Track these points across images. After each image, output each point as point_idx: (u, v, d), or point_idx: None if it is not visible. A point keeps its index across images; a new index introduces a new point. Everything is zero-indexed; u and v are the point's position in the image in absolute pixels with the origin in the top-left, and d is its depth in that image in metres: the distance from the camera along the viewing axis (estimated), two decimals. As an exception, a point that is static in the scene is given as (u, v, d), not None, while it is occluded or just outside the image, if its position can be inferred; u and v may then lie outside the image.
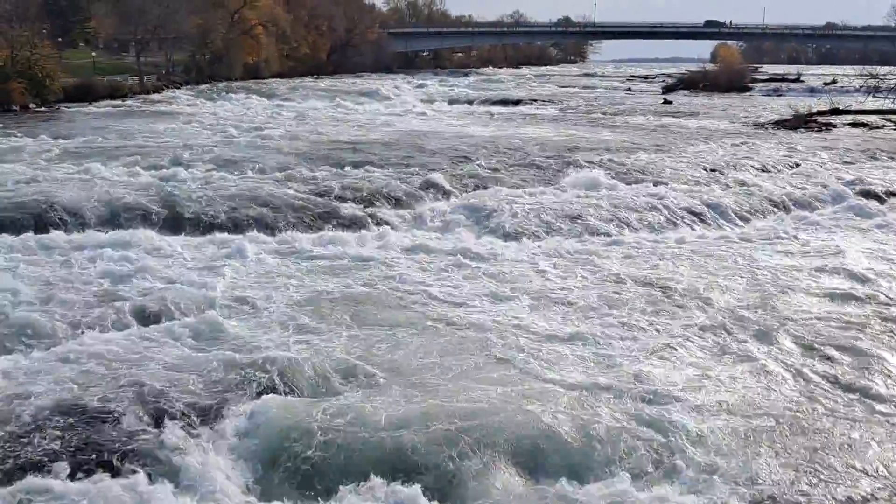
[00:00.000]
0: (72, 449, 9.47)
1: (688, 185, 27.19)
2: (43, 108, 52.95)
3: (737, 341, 13.19)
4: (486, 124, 47.88)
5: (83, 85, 61.24)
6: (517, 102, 69.97)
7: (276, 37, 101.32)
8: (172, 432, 9.82)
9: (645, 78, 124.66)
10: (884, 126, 48.75)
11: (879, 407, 11.04)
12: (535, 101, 71.89)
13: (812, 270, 17.49)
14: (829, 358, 12.62)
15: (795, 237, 20.92)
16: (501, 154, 32.05)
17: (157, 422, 10.06)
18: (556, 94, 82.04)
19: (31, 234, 18.68)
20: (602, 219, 22.15)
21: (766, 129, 47.34)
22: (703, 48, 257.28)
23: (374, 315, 14.03)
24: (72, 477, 9.00)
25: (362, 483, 8.96)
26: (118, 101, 60.06)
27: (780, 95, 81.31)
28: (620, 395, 10.96)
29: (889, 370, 12.21)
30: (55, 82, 56.06)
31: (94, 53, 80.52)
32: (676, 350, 12.73)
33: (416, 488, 8.82)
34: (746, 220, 23.45)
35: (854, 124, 49.56)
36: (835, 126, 48.33)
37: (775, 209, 24.84)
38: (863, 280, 16.76)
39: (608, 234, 21.03)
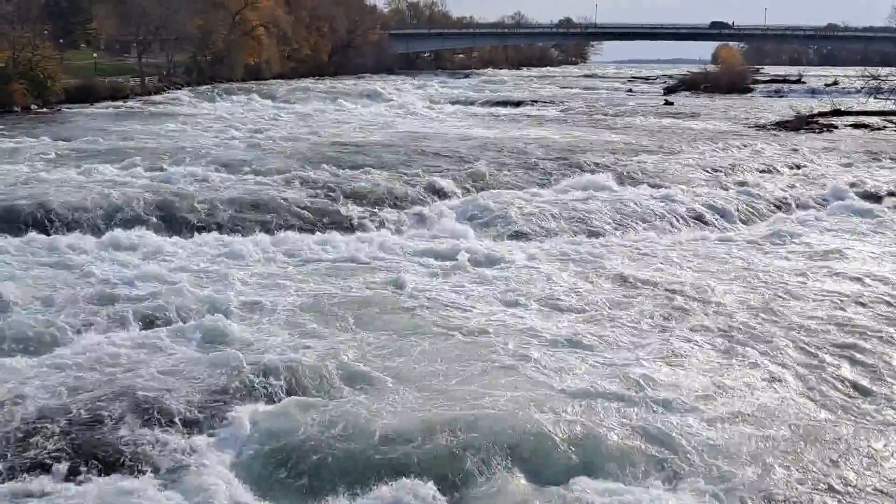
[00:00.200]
0: (73, 451, 9.46)
1: (690, 186, 27.16)
2: (44, 110, 52.93)
3: (743, 346, 13.11)
4: (488, 125, 47.85)
5: (84, 86, 61.23)
6: (518, 104, 69.93)
7: (277, 38, 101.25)
8: (174, 435, 9.84)
9: (646, 79, 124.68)
10: (885, 127, 48.70)
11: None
12: (537, 102, 71.87)
13: (815, 272, 17.46)
14: (837, 363, 12.52)
15: (797, 239, 20.89)
16: (504, 155, 32.02)
17: (159, 424, 10.05)
18: (557, 95, 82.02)
19: (32, 235, 18.65)
20: (604, 220, 22.14)
21: (768, 130, 47.30)
22: (704, 49, 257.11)
23: (377, 318, 14.01)
24: (73, 479, 9.01)
25: (365, 487, 8.94)
26: (119, 103, 60.04)
27: (782, 96, 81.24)
28: (627, 400, 10.89)
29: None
30: (56, 83, 56.03)
31: (95, 55, 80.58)
32: (683, 355, 12.66)
33: (420, 493, 8.80)
34: (748, 222, 23.47)
35: (855, 125, 49.52)
36: (836, 127, 48.30)
37: (777, 210, 24.84)
38: (868, 282, 16.72)
39: (610, 236, 21.02)
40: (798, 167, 32.39)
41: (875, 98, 58.04)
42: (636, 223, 22.23)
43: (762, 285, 16.42)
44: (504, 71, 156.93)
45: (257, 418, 10.22)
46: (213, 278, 15.95)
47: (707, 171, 30.39)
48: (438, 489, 8.89)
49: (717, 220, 23.29)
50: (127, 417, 10.12)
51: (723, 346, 13.08)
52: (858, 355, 12.81)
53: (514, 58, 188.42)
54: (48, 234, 18.77)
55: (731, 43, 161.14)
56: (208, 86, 79.21)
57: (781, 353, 12.82)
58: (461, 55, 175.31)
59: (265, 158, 29.94)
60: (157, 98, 65.74)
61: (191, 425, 10.16)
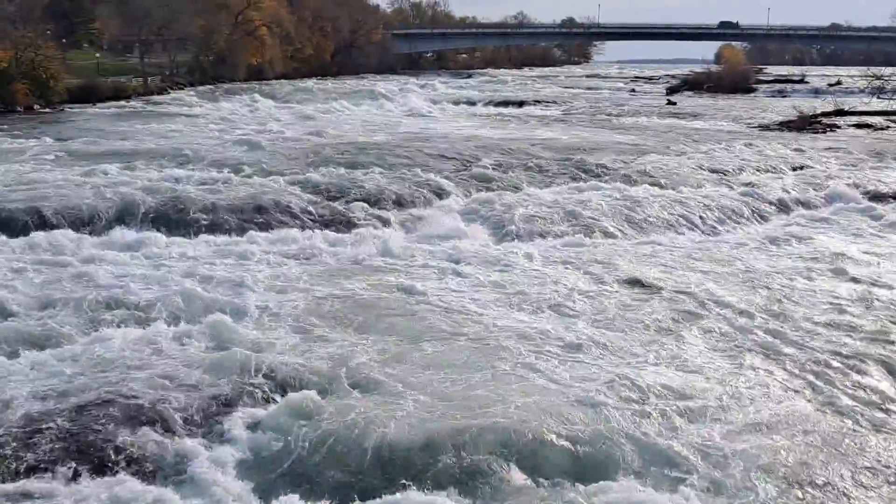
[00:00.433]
0: (74, 452, 9.43)
1: (694, 187, 27.10)
2: (47, 110, 53.00)
3: (752, 351, 12.99)
4: (491, 126, 47.82)
5: (87, 86, 61.31)
6: (521, 104, 69.96)
7: (279, 38, 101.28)
8: (176, 437, 9.82)
9: (649, 79, 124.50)
10: (888, 127, 48.62)
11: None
12: (540, 102, 71.86)
13: (821, 274, 17.40)
14: (848, 369, 12.37)
15: (802, 240, 20.81)
16: (507, 156, 31.97)
17: (161, 426, 10.02)
18: (560, 95, 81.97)
19: (34, 234, 18.66)
20: (609, 221, 22.08)
21: (771, 130, 47.24)
22: (707, 49, 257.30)
23: (383, 321, 13.93)
24: (74, 480, 8.99)
25: (370, 493, 8.89)
26: (122, 103, 60.11)
27: (785, 97, 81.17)
28: (636, 405, 10.78)
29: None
30: (59, 83, 56.09)
31: (97, 55, 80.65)
32: (692, 360, 12.52)
33: (427, 500, 8.77)
34: (753, 223, 23.40)
35: (858, 125, 49.48)
36: (839, 127, 48.25)
37: (782, 212, 24.80)
38: (876, 285, 16.65)
39: (615, 237, 20.96)
40: (802, 168, 32.31)
41: (878, 98, 57.95)
42: (640, 224, 22.19)
43: (769, 288, 16.32)
44: (507, 71, 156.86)
45: (260, 421, 10.18)
46: (216, 279, 15.89)
47: (711, 172, 30.32)
48: (446, 496, 8.85)
49: (721, 221, 23.23)
50: (129, 419, 10.10)
51: (731, 351, 12.93)
52: (868, 361, 12.65)
53: (516, 58, 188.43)
54: (50, 234, 18.74)
55: (734, 43, 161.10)
56: (211, 86, 79.34)
57: (790, 359, 12.69)
58: (464, 55, 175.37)
59: (268, 159, 29.90)
60: (160, 98, 65.77)
61: (193, 427, 10.12)
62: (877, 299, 15.66)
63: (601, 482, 9.05)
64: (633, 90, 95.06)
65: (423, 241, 19.73)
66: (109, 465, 9.27)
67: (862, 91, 67.07)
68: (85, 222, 20.00)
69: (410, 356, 12.24)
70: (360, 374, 11.45)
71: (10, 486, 8.79)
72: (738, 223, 23.31)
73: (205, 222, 20.52)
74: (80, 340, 12.65)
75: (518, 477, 9.17)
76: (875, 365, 12.51)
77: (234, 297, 14.67)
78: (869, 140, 42.33)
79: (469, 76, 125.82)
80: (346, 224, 21.30)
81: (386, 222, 21.67)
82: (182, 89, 74.26)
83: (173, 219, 20.62)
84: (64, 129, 40.30)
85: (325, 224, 21.11)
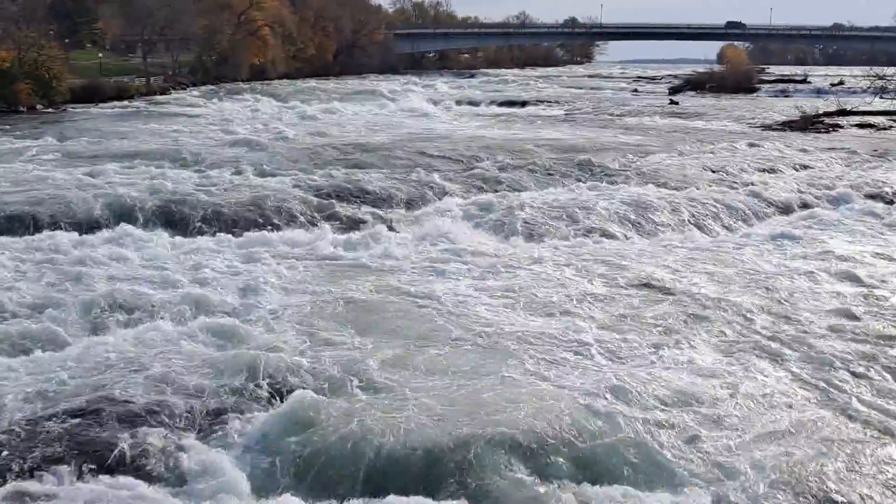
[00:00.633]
0: (76, 452, 9.42)
1: (697, 187, 27.07)
2: (50, 109, 53.05)
3: (758, 353, 12.89)
4: (494, 126, 47.78)
5: (90, 86, 61.39)
6: (524, 104, 69.91)
7: (282, 38, 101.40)
8: (179, 437, 9.79)
9: (651, 79, 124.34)
10: (891, 127, 48.54)
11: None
12: (542, 102, 71.79)
13: (826, 275, 17.32)
14: (856, 372, 12.27)
15: (806, 241, 20.76)
16: (511, 156, 31.94)
17: (164, 426, 10.01)
18: (562, 95, 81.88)
19: (36, 234, 18.69)
20: (613, 221, 22.04)
21: (774, 130, 47.18)
22: (709, 49, 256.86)
23: (385, 321, 13.91)
24: (75, 480, 8.97)
25: (371, 492, 8.89)
26: (125, 102, 60.19)
27: (787, 96, 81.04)
28: (642, 409, 10.75)
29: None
30: (62, 83, 56.17)
31: (100, 54, 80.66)
32: (702, 363, 12.41)
33: (428, 500, 8.76)
34: (757, 223, 23.38)
35: (861, 125, 49.39)
36: (842, 127, 48.18)
37: (785, 212, 24.77)
38: (881, 286, 16.61)
39: (619, 238, 20.94)
40: (805, 168, 32.29)
41: (881, 98, 57.84)
42: (645, 225, 22.16)
43: (775, 290, 16.21)
44: (509, 71, 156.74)
45: (263, 422, 10.16)
46: (218, 279, 15.90)
47: (714, 172, 30.30)
48: (446, 492, 8.85)
49: (726, 221, 23.21)
50: (130, 420, 10.09)
51: (740, 355, 12.79)
52: (877, 365, 12.54)
53: (518, 58, 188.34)
54: (52, 234, 18.75)
55: (736, 43, 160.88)
56: (213, 86, 79.49)
57: (798, 362, 12.60)
58: (466, 55, 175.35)
59: (270, 159, 29.92)
60: (163, 98, 65.85)
61: (195, 428, 10.10)
62: (884, 301, 15.62)
63: (608, 488, 9.01)
64: (636, 90, 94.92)
65: (426, 242, 19.69)
66: (110, 465, 9.24)
67: (864, 91, 66.90)
68: (87, 222, 19.99)
69: (414, 358, 12.17)
70: (364, 377, 11.40)
71: (10, 487, 8.78)
72: (743, 224, 23.26)
73: (207, 222, 20.53)
74: (82, 340, 12.65)
75: (523, 481, 9.12)
76: (885, 369, 12.41)
77: (236, 298, 14.67)
78: (872, 140, 42.24)
79: (471, 76, 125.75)
80: (350, 225, 21.28)
81: (389, 223, 21.65)
82: (185, 89, 74.38)
83: (175, 219, 20.62)
84: (67, 129, 40.31)
85: (328, 223, 21.05)
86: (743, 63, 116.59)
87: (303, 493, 8.93)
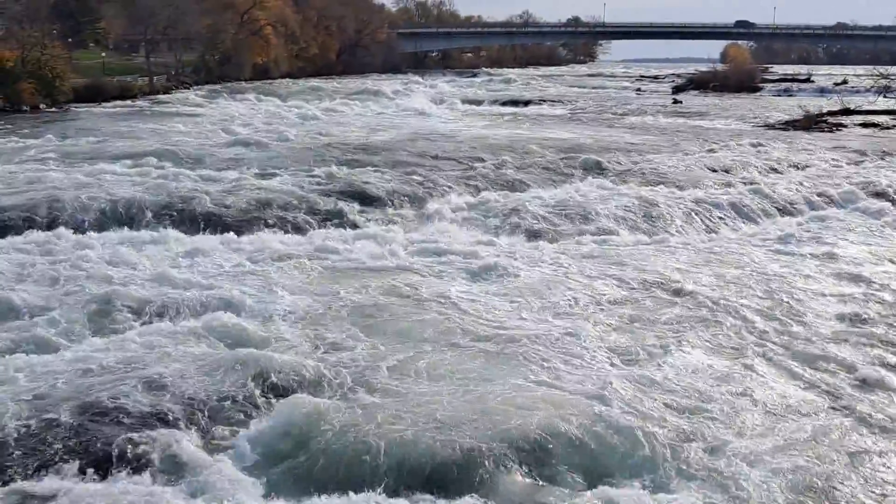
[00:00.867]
0: (78, 452, 9.43)
1: (700, 186, 27.04)
2: (53, 109, 53.11)
3: (765, 354, 12.86)
4: (498, 125, 47.77)
5: (93, 85, 61.44)
6: (527, 103, 69.89)
7: (285, 37, 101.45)
8: (181, 436, 9.77)
9: (655, 78, 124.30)
10: (895, 126, 48.47)
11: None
12: (546, 101, 71.76)
13: (831, 275, 17.30)
14: (860, 373, 12.19)
15: (810, 240, 20.71)
16: (514, 155, 31.92)
17: (166, 425, 10.00)
18: (566, 94, 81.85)
19: (39, 233, 18.68)
20: (617, 221, 22.02)
21: (777, 129, 47.13)
22: (712, 48, 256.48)
23: (388, 320, 13.89)
24: (78, 480, 8.98)
25: (372, 493, 8.84)
26: (128, 102, 60.26)
27: (791, 96, 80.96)
28: (647, 408, 10.72)
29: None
30: (65, 83, 56.24)
31: (103, 54, 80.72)
32: (706, 364, 12.36)
33: (429, 495, 8.75)
34: (761, 223, 23.32)
35: (865, 125, 49.33)
36: (845, 126, 48.13)
37: (789, 211, 24.71)
38: (887, 285, 16.56)
39: (624, 237, 20.89)
40: (809, 167, 32.23)
41: (885, 97, 57.81)
42: (649, 224, 22.13)
43: (780, 290, 16.14)
44: (512, 70, 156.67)
45: (265, 422, 10.15)
46: (222, 278, 15.89)
47: (718, 171, 30.27)
48: (449, 492, 8.81)
49: (730, 221, 23.17)
50: (134, 417, 10.09)
51: (747, 358, 12.69)
52: (883, 368, 12.47)
53: (522, 57, 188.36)
54: (54, 234, 18.74)
55: (739, 42, 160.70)
56: (216, 85, 79.48)
57: (803, 363, 12.55)
58: (469, 54, 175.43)
59: (273, 158, 29.92)
60: (166, 97, 65.88)
61: (197, 428, 10.10)
62: (889, 301, 15.57)
63: (616, 491, 8.95)
64: (639, 89, 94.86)
65: (429, 242, 19.63)
66: (113, 463, 9.25)
67: (868, 90, 66.91)
68: (89, 222, 19.99)
69: (417, 360, 12.11)
70: (366, 378, 11.37)
71: (11, 487, 8.78)
72: (748, 224, 23.21)
73: (209, 222, 20.50)
74: (84, 339, 12.66)
75: (529, 486, 9.10)
76: (892, 371, 12.35)
77: (238, 298, 14.60)
78: (876, 139, 42.16)
79: (474, 75, 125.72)
80: (353, 224, 21.25)
81: (392, 223, 21.62)
82: (188, 89, 74.40)
83: (178, 218, 20.60)
84: (70, 129, 40.32)
85: (331, 224, 21.05)
86: (746, 62, 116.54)
87: (304, 494, 8.90)
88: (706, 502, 8.81)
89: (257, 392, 10.91)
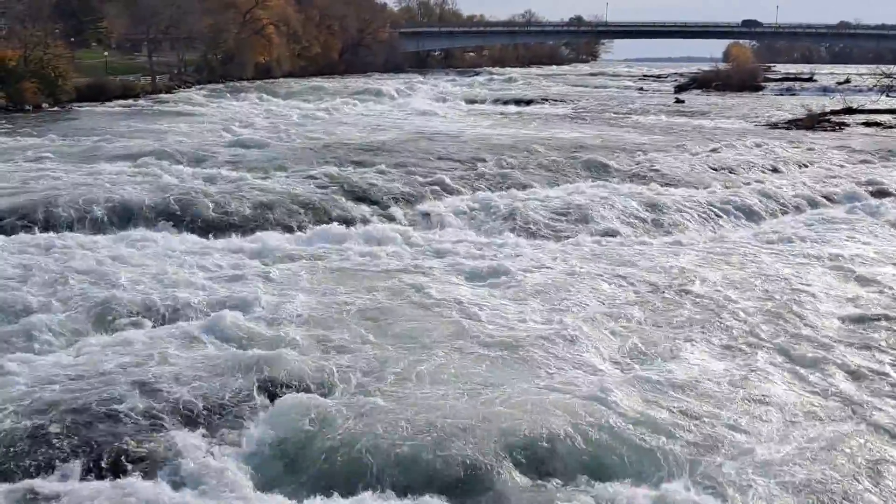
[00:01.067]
0: (80, 451, 9.42)
1: (703, 185, 27.00)
2: (55, 108, 53.19)
3: (769, 354, 12.81)
4: (500, 124, 47.76)
5: (95, 85, 61.47)
6: (529, 102, 69.92)
7: (287, 36, 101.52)
8: (184, 435, 9.77)
9: (657, 77, 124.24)
10: (898, 125, 48.46)
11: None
12: (548, 100, 71.77)
13: (834, 274, 17.25)
14: (865, 374, 12.14)
15: (813, 239, 20.66)
16: (517, 154, 31.87)
17: (169, 424, 9.99)
18: (568, 93, 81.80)
19: (40, 233, 18.65)
20: (620, 221, 21.99)
21: (780, 128, 47.08)
22: (715, 47, 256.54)
23: (390, 317, 13.87)
24: (80, 479, 8.99)
25: (373, 494, 8.83)
26: (130, 101, 60.28)
27: (794, 95, 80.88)
28: (650, 409, 10.67)
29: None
30: (68, 82, 56.30)
31: (106, 53, 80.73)
32: (712, 365, 12.32)
33: (430, 496, 8.71)
34: (764, 222, 23.28)
35: (868, 123, 49.29)
36: (848, 125, 48.10)
37: (792, 210, 24.67)
38: (890, 285, 16.51)
39: (627, 237, 20.86)
40: (811, 166, 32.19)
41: (887, 96, 57.77)
42: (653, 223, 22.10)
43: (783, 289, 16.11)
44: (514, 69, 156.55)
45: (266, 422, 10.12)
46: (224, 277, 15.87)
47: (721, 171, 30.23)
48: (450, 492, 8.79)
49: (734, 220, 23.13)
50: (136, 418, 10.07)
51: (751, 359, 12.64)
52: (887, 369, 12.41)
53: (524, 56, 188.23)
54: (56, 233, 18.74)
55: (742, 41, 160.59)
56: (219, 84, 79.52)
57: (806, 364, 12.50)
58: (471, 53, 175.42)
59: (275, 157, 29.89)
60: (168, 97, 65.90)
61: (201, 425, 10.09)
62: (891, 301, 15.52)
63: (621, 496, 8.92)
64: (642, 88, 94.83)
65: (433, 242, 19.63)
66: (115, 463, 9.26)
67: (871, 89, 66.86)
68: (91, 221, 19.95)
69: (421, 361, 12.06)
70: (369, 379, 11.35)
71: (11, 486, 8.77)
72: (751, 223, 23.18)
73: (211, 222, 20.46)
74: (86, 338, 12.65)
75: (530, 486, 9.07)
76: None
77: (241, 296, 14.60)
78: (879, 138, 42.13)
79: (477, 74, 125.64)
80: (356, 223, 21.21)
81: (395, 221, 21.60)
82: (190, 88, 74.47)
83: (180, 217, 20.57)
84: (72, 128, 40.36)
85: (334, 223, 20.98)
86: (749, 61, 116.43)
87: (305, 495, 8.88)
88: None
89: (259, 392, 10.87)
